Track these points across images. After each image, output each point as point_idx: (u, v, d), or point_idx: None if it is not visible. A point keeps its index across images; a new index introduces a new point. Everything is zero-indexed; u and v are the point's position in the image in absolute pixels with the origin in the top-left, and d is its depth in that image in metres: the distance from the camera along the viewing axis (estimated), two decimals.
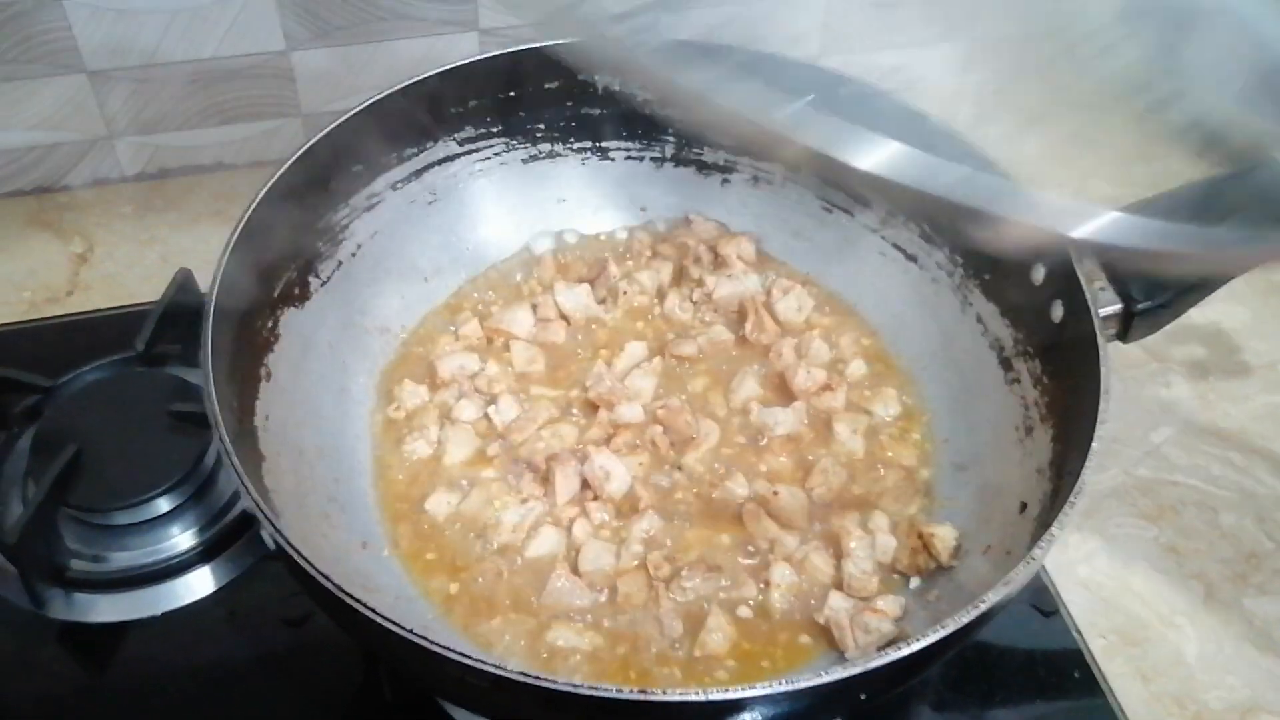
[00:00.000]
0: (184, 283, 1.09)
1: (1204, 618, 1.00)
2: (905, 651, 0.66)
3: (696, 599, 0.88)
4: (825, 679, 0.65)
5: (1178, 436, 1.14)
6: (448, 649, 0.65)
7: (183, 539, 0.99)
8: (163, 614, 0.95)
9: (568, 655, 0.85)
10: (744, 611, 0.88)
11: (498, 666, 0.63)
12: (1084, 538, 1.05)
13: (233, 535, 0.99)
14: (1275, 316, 1.25)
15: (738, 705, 0.65)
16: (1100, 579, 1.03)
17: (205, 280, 1.09)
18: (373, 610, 0.66)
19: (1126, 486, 1.09)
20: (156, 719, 0.90)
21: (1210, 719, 0.94)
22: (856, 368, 1.05)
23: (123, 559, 0.97)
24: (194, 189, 1.33)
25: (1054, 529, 0.72)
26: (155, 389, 1.04)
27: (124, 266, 1.25)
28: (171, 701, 0.91)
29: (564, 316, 1.06)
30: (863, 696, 0.70)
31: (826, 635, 0.87)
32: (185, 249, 1.26)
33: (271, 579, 0.97)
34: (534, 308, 1.06)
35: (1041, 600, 0.99)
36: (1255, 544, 1.05)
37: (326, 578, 0.68)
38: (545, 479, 0.94)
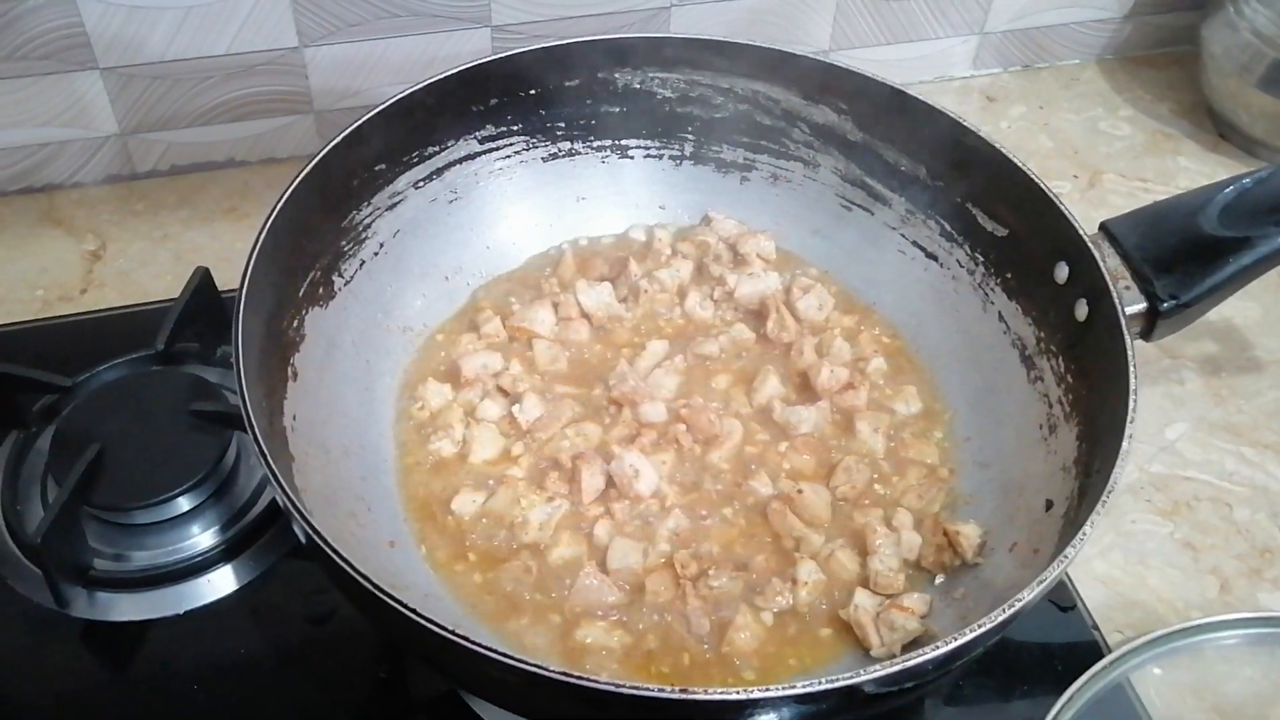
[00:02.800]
0: (202, 281, 1.08)
1: (1220, 613, 1.00)
2: (943, 650, 0.67)
3: (724, 597, 0.88)
4: (862, 677, 0.66)
5: (1191, 432, 1.14)
6: (490, 648, 0.65)
7: (204, 538, 0.99)
8: (185, 612, 0.95)
9: (596, 653, 0.85)
10: (771, 609, 0.88)
11: (540, 666, 0.64)
12: (1100, 533, 1.06)
13: (254, 534, 0.99)
14: None
15: (774, 704, 0.66)
16: (1117, 574, 1.03)
17: (219, 278, 1.09)
18: (413, 610, 0.66)
19: (1142, 482, 1.10)
20: (179, 717, 0.90)
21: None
22: (877, 366, 1.05)
23: (144, 558, 0.97)
24: (206, 186, 1.32)
25: (1086, 527, 0.73)
26: (174, 388, 1.04)
27: (137, 264, 1.24)
28: (194, 700, 0.90)
29: (585, 315, 1.06)
30: (895, 691, 0.71)
31: (852, 633, 0.87)
32: (198, 246, 1.26)
33: (293, 577, 0.97)
34: (555, 306, 1.06)
35: (1059, 595, 0.99)
36: (1269, 539, 1.06)
37: (367, 578, 0.68)
38: (571, 477, 0.94)
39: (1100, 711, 0.90)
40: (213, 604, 0.96)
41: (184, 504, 0.99)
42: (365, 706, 0.92)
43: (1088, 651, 0.96)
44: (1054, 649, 0.97)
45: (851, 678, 0.66)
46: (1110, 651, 0.95)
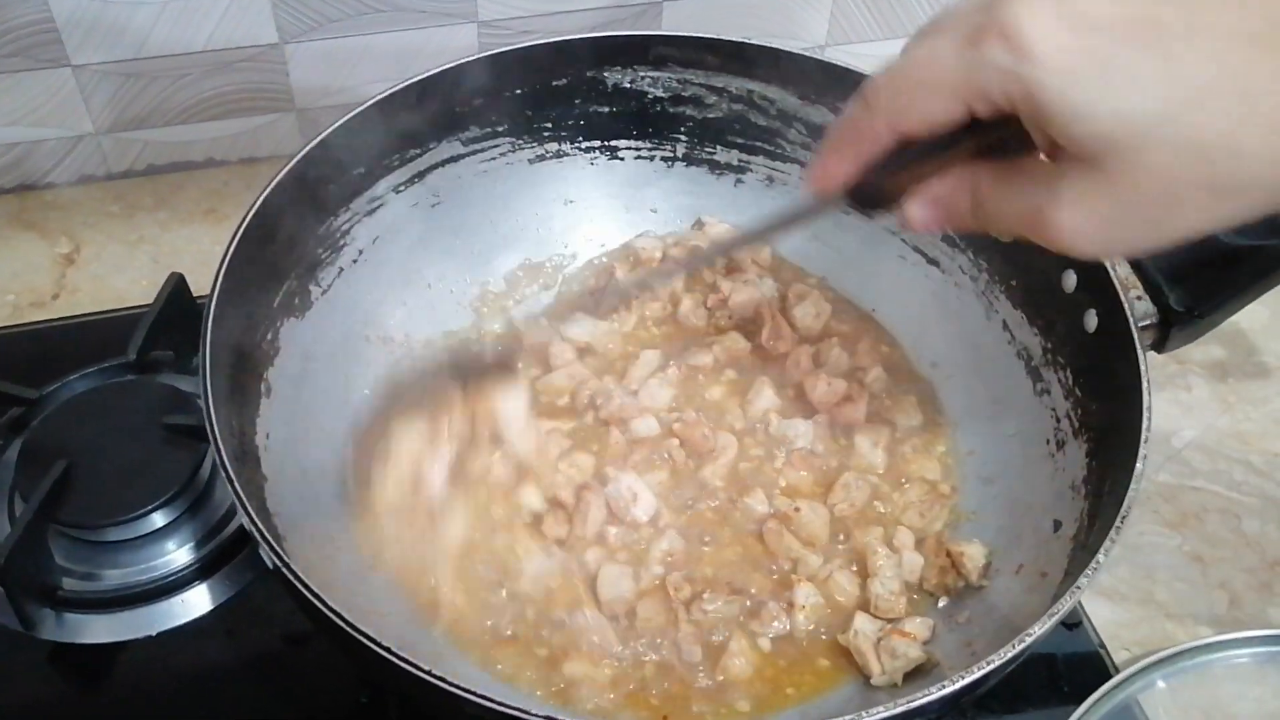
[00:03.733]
0: (176, 287, 1.05)
1: (1229, 629, 0.97)
2: (949, 690, 0.64)
3: (718, 622, 0.85)
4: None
5: (1199, 440, 1.11)
6: (467, 689, 0.61)
7: (178, 555, 0.96)
8: (158, 634, 0.92)
9: (585, 684, 0.81)
10: (767, 634, 0.85)
11: (522, 710, 0.60)
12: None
13: (231, 551, 0.96)
14: None
15: None
16: (1123, 589, 1.00)
17: (197, 283, 1.06)
18: (388, 649, 0.63)
19: (1148, 493, 1.07)
20: None
21: None
22: (876, 376, 1.01)
23: (116, 577, 0.94)
24: (184, 186, 1.29)
25: (1101, 555, 0.70)
26: (147, 399, 1.00)
27: (112, 268, 1.21)
28: None
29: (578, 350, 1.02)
30: None
31: (851, 660, 0.84)
32: (176, 249, 1.23)
33: (271, 595, 0.94)
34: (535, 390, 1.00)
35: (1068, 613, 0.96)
36: (1279, 552, 1.03)
37: (338, 613, 0.64)
38: (573, 511, 0.90)
39: None
40: (187, 624, 0.92)
41: (158, 520, 0.95)
42: None
43: (1094, 670, 0.93)
44: (1059, 667, 0.94)
45: None
46: (1117, 670, 0.92)
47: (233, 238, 0.84)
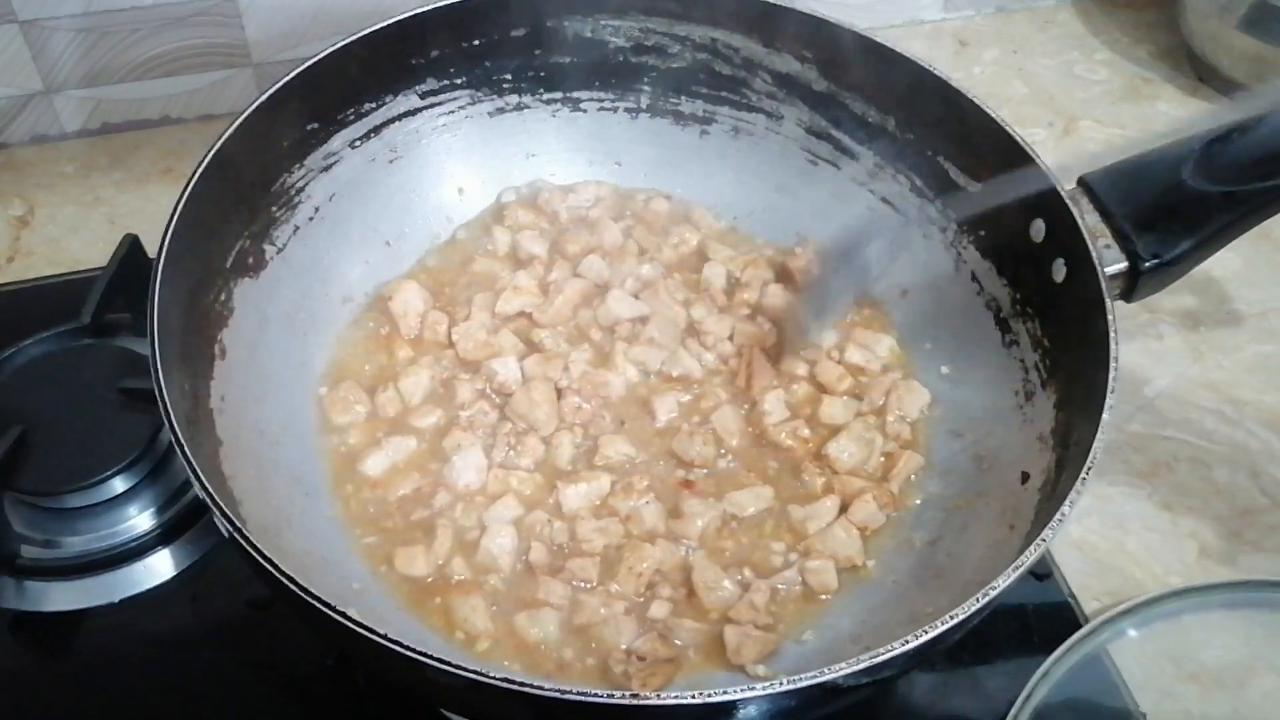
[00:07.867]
0: (131, 248, 1.03)
1: (1199, 578, 0.97)
2: (915, 644, 0.64)
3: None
4: (830, 675, 0.62)
5: (1170, 389, 1.11)
6: (428, 655, 0.60)
7: (140, 521, 0.95)
8: (121, 600, 0.91)
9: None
10: None
11: (479, 673, 0.59)
12: None
13: (194, 515, 0.95)
14: (1267, 264, 1.22)
15: (731, 707, 0.62)
16: (1094, 540, 1.00)
17: (153, 244, 1.03)
18: (344, 614, 0.62)
19: (1119, 443, 1.07)
20: (117, 711, 0.87)
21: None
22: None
23: (76, 544, 0.93)
24: (140, 145, 1.26)
25: (1065, 508, 0.69)
26: (104, 363, 0.99)
27: (67, 230, 1.19)
28: (133, 692, 0.87)
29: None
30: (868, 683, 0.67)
31: None
32: (133, 210, 1.21)
33: (235, 560, 0.91)
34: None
35: (1035, 563, 0.96)
36: (1249, 500, 1.03)
37: (292, 578, 0.63)
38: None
39: (1077, 683, 0.88)
40: (150, 591, 0.92)
41: (118, 485, 0.94)
42: (312, 695, 0.89)
43: (1064, 620, 0.94)
44: (1029, 618, 0.94)
45: (819, 675, 0.62)
46: (1087, 621, 0.93)
47: (180, 196, 0.83)
